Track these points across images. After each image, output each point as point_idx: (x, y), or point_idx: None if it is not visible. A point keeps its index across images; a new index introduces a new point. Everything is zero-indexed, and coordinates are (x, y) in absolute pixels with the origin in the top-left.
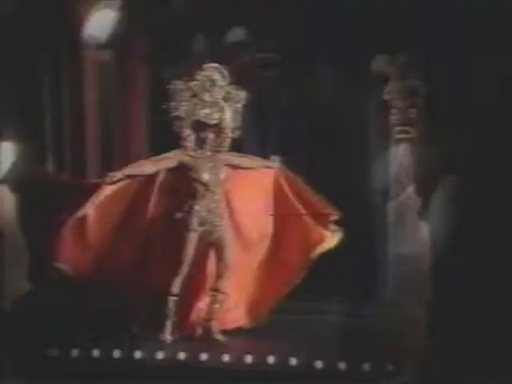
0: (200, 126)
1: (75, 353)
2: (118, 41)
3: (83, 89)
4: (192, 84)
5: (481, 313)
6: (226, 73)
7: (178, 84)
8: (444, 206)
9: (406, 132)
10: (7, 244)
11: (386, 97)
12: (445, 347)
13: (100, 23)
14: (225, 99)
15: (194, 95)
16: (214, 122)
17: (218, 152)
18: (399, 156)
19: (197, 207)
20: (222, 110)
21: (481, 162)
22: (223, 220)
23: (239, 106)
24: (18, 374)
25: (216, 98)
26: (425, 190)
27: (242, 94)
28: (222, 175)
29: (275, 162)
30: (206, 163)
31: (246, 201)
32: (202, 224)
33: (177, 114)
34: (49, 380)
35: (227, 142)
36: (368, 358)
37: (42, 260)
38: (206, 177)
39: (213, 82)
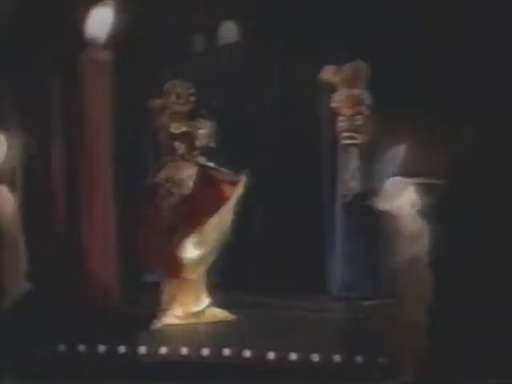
0: (171, 136)
1: (76, 352)
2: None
3: (82, 89)
4: (162, 96)
5: (479, 312)
6: (189, 85)
7: (154, 99)
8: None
9: (353, 138)
10: (7, 244)
11: (333, 105)
12: (434, 347)
13: (100, 23)
14: (193, 110)
15: (165, 108)
16: (181, 131)
17: (190, 159)
18: (346, 160)
19: (164, 207)
20: (189, 121)
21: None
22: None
23: (206, 116)
24: (17, 374)
25: (184, 109)
26: (371, 191)
27: (208, 105)
28: (186, 180)
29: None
30: (175, 168)
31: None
32: None
33: (155, 124)
34: (49, 380)
35: (197, 150)
36: (317, 350)
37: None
38: (165, 177)
39: (178, 95)
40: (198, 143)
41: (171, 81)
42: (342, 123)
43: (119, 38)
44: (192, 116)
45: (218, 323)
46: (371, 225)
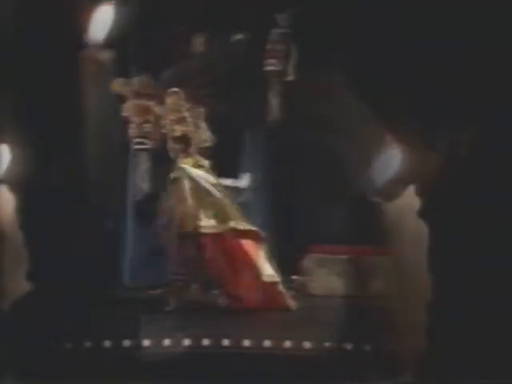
0: (172, 139)
1: (76, 352)
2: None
3: (83, 89)
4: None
5: (479, 312)
6: (183, 95)
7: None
8: None
9: (142, 143)
10: (7, 244)
11: (124, 113)
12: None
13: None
14: (190, 116)
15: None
16: (177, 134)
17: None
18: (136, 163)
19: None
20: (186, 125)
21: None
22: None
23: (200, 120)
24: (18, 374)
25: (181, 116)
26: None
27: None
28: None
29: None
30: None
31: None
32: None
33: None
34: (49, 380)
35: (193, 151)
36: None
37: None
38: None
39: (175, 106)
40: (192, 145)
41: (167, 90)
42: (132, 130)
43: (119, 38)
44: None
45: None
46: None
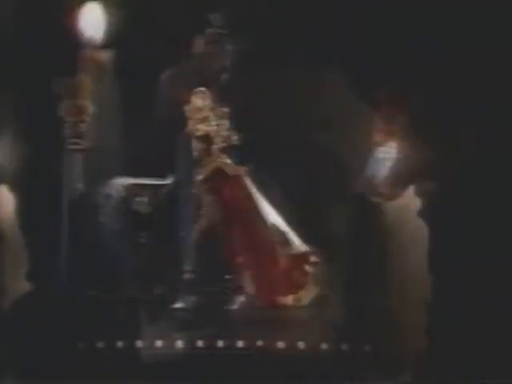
0: (196, 138)
1: (76, 352)
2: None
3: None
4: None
5: (479, 312)
6: (209, 94)
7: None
8: None
9: (77, 144)
10: (7, 244)
11: (60, 113)
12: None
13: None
14: (213, 115)
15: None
16: (200, 133)
17: (211, 158)
18: (71, 163)
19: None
20: (209, 125)
21: None
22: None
23: (224, 120)
24: (18, 374)
25: (205, 115)
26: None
27: (225, 110)
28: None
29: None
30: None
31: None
32: None
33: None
34: (49, 380)
35: (215, 150)
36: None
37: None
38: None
39: (200, 105)
40: (213, 144)
41: (193, 90)
42: (67, 130)
43: (119, 38)
44: (212, 120)
45: None
46: (97, 222)
